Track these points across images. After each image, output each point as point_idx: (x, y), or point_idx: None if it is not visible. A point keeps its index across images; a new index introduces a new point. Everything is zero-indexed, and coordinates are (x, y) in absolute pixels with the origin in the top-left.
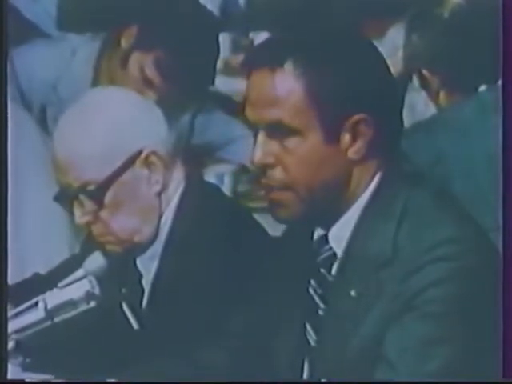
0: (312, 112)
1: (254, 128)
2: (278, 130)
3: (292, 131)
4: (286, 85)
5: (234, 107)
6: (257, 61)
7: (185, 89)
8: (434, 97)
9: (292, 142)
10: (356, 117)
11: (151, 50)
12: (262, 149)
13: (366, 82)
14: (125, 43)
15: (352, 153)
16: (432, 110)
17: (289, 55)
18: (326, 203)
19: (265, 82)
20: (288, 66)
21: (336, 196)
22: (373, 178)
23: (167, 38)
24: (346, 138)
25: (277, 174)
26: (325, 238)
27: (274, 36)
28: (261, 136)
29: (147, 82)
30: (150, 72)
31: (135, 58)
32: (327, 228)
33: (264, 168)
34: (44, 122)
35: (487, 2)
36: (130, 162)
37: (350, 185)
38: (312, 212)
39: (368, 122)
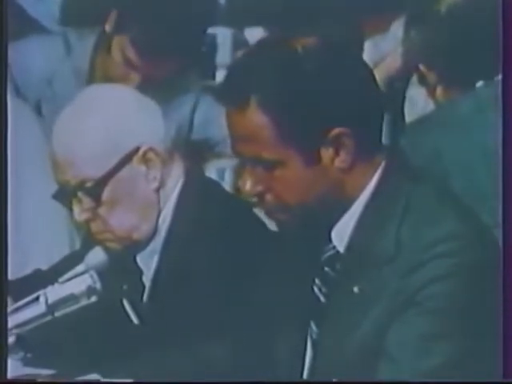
0: (286, 142)
1: (241, 158)
2: (261, 163)
3: (273, 162)
4: (255, 122)
5: None
6: (224, 102)
7: (167, 69)
8: (431, 92)
9: (276, 171)
10: (336, 130)
11: (129, 31)
12: (250, 179)
13: (340, 96)
14: (108, 29)
15: (338, 163)
16: (432, 105)
17: (251, 93)
18: (324, 211)
19: (237, 121)
20: (253, 104)
21: (333, 203)
22: (373, 175)
23: (145, 18)
24: (329, 151)
25: (269, 200)
26: (328, 237)
27: (235, 74)
28: (247, 166)
29: (129, 64)
30: (130, 52)
31: (116, 41)
32: (329, 227)
33: (255, 196)
34: (39, 117)
35: None
36: (127, 159)
37: (345, 190)
38: (311, 219)
39: (349, 135)
